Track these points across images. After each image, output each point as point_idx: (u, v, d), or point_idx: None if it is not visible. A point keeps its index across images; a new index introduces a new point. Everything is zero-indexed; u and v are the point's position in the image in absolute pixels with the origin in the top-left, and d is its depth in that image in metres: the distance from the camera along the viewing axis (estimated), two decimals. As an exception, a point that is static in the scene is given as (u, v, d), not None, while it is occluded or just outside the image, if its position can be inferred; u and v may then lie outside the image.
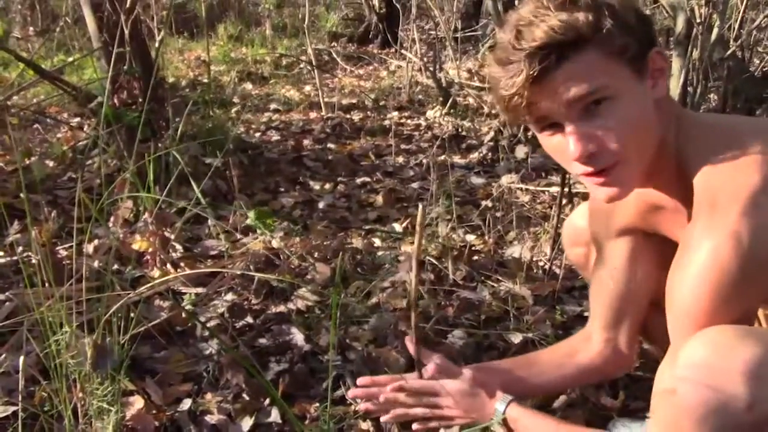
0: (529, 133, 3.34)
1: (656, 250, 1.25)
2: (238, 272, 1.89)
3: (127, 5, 2.77)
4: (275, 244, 2.12)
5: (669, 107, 1.04)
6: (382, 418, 1.34)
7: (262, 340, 1.69)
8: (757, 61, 3.95)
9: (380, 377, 1.37)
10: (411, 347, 1.35)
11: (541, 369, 1.37)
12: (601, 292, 1.35)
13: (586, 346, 1.37)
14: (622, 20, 0.95)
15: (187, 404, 1.44)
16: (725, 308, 0.95)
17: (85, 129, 3.20)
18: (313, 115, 4.15)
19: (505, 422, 1.24)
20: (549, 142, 1.03)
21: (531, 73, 0.93)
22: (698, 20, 2.33)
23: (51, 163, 2.84)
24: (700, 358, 0.90)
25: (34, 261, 1.80)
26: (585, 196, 2.56)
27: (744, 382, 0.87)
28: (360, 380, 1.36)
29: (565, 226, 1.53)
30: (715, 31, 2.42)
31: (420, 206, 1.03)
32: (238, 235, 2.27)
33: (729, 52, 2.74)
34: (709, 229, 0.94)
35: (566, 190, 2.17)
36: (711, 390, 0.88)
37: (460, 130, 3.75)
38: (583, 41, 0.93)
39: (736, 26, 3.01)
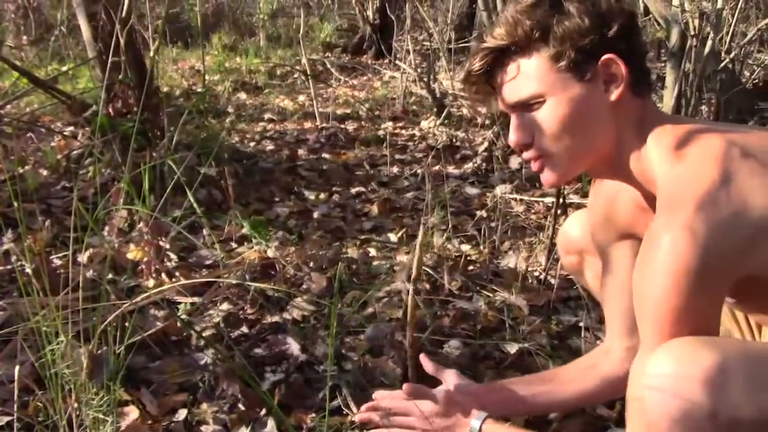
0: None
1: None
2: (234, 282, 1.88)
3: (123, 14, 2.78)
4: (270, 253, 2.12)
5: (634, 108, 1.07)
6: None
7: (258, 350, 1.68)
8: (747, 74, 3.99)
9: (393, 392, 1.38)
10: (428, 365, 1.37)
11: (562, 384, 1.36)
12: (613, 300, 1.33)
13: (607, 359, 1.35)
14: (569, 27, 1.03)
15: (182, 414, 1.43)
16: (689, 304, 0.95)
17: (78, 138, 3.19)
18: (307, 125, 4.16)
19: None
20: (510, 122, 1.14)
21: (475, 68, 1.08)
22: (692, 33, 2.36)
23: (45, 172, 2.83)
24: (664, 370, 0.91)
25: (28, 270, 1.79)
26: (579, 206, 2.57)
27: (705, 391, 0.87)
28: (377, 394, 1.38)
29: (558, 235, 1.53)
30: (709, 43, 2.44)
31: (420, 229, 1.06)
32: (233, 245, 2.27)
33: (722, 64, 2.76)
34: (666, 225, 0.96)
35: (561, 200, 2.18)
36: (675, 400, 0.89)
37: (454, 140, 3.76)
38: (521, 48, 1.05)
39: (728, 39, 3.04)
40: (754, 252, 0.95)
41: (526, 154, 1.11)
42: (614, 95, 1.05)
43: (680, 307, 0.95)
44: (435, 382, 1.39)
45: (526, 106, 1.07)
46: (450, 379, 1.36)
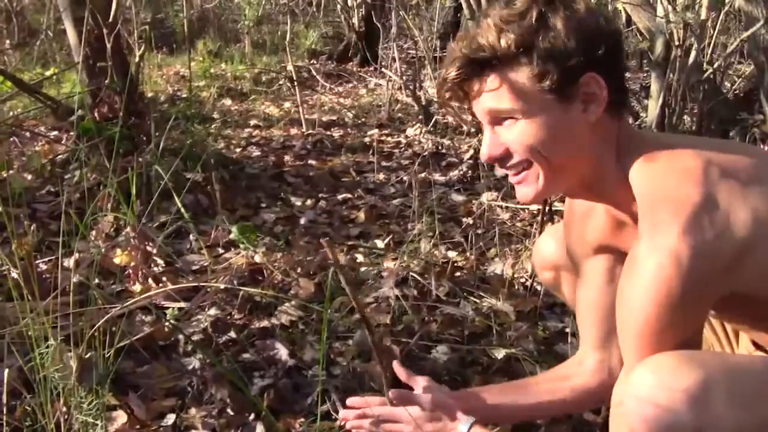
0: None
1: None
2: (222, 286, 1.88)
3: (110, 19, 2.77)
4: (258, 259, 2.12)
5: (610, 128, 1.06)
6: None
7: (246, 355, 1.68)
8: (728, 84, 4.04)
9: (370, 398, 1.36)
10: (401, 373, 1.36)
11: (533, 393, 1.35)
12: (587, 312, 1.34)
13: (579, 370, 1.35)
14: (554, 45, 0.99)
15: (171, 419, 1.43)
16: (672, 326, 0.97)
17: (63, 143, 3.17)
18: (293, 131, 4.16)
19: None
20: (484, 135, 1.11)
21: (452, 76, 1.04)
22: (676, 43, 2.39)
23: (29, 177, 2.81)
24: (646, 389, 0.91)
25: (14, 275, 1.77)
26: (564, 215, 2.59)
27: (688, 409, 0.88)
28: (349, 401, 1.36)
29: (534, 251, 1.53)
30: (693, 54, 2.48)
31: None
32: (221, 250, 2.27)
33: (706, 74, 2.80)
34: (651, 249, 0.96)
35: (547, 208, 2.20)
36: (658, 419, 0.89)
37: (440, 148, 3.78)
38: (501, 62, 1.01)
39: (709, 51, 3.09)
40: (737, 272, 0.97)
41: (503, 169, 1.08)
42: (594, 115, 1.03)
43: (663, 329, 0.97)
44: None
45: (500, 121, 1.05)
46: (422, 385, 1.35)
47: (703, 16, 2.44)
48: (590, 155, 1.06)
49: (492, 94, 1.03)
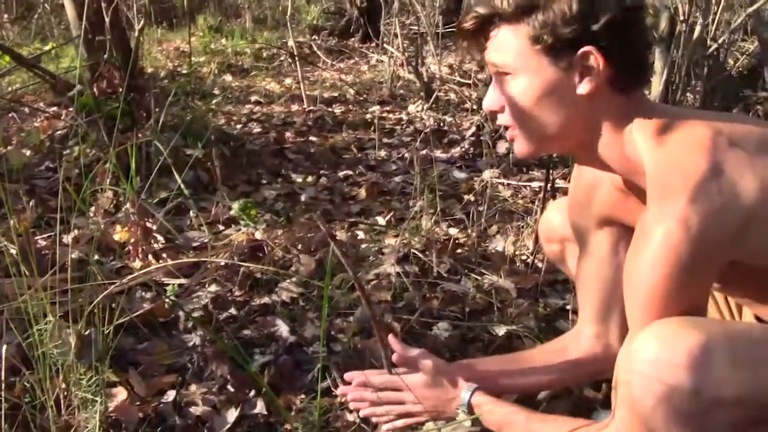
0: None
1: None
2: (223, 262, 1.87)
3: (108, -7, 2.74)
4: (258, 235, 2.11)
5: (614, 102, 1.05)
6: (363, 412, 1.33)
7: (246, 332, 1.68)
8: (731, 61, 4.00)
9: (369, 372, 1.35)
10: (395, 344, 1.35)
11: (530, 366, 1.35)
12: (588, 285, 1.34)
13: (576, 343, 1.35)
14: (556, 12, 1.00)
15: (171, 396, 1.42)
16: (679, 293, 0.97)
17: (62, 118, 3.15)
18: (294, 107, 4.13)
19: (470, 410, 1.23)
20: None
21: (464, 26, 1.08)
22: (681, 18, 2.36)
23: (28, 153, 2.79)
24: (648, 352, 0.92)
25: (12, 251, 1.77)
26: (567, 192, 2.58)
27: (688, 370, 0.89)
28: (347, 375, 1.35)
29: (540, 223, 1.53)
30: (698, 29, 2.45)
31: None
32: (221, 227, 2.26)
33: (710, 51, 2.77)
34: (659, 216, 0.97)
35: (549, 185, 2.18)
36: (659, 382, 0.90)
37: (442, 124, 3.76)
38: (503, 20, 1.04)
39: (713, 27, 3.05)
40: (743, 240, 0.97)
41: (499, 122, 1.11)
42: (586, 89, 1.02)
43: (670, 295, 0.97)
44: None
45: (500, 75, 1.08)
46: (420, 354, 1.33)
47: (709, -9, 2.40)
48: (584, 124, 1.07)
49: (493, 48, 1.07)
